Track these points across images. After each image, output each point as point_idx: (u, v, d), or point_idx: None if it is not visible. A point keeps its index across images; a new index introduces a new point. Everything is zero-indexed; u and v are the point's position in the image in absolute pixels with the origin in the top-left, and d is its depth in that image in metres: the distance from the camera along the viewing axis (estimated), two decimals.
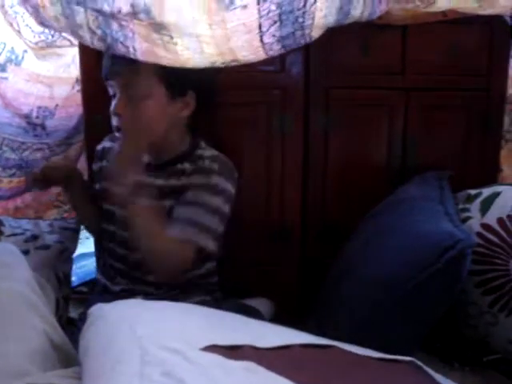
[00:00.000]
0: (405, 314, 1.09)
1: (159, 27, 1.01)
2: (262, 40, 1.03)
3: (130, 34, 1.00)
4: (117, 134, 1.21)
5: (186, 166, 1.22)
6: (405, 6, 1.25)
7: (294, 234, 1.54)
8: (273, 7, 0.93)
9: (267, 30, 0.99)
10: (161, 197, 1.21)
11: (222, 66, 1.11)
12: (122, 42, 1.01)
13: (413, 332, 1.12)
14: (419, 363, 0.82)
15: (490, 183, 1.44)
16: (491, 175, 1.55)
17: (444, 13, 1.37)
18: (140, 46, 1.02)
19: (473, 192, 1.36)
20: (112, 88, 1.19)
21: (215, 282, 1.35)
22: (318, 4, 0.97)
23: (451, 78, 1.49)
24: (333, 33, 1.19)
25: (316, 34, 1.16)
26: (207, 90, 1.27)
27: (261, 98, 1.48)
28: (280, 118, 1.46)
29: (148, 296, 1.23)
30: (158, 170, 1.24)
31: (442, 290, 1.08)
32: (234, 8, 0.91)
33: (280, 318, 1.50)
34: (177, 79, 1.17)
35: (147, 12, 0.96)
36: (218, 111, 1.46)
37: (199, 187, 1.17)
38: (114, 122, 1.19)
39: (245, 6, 0.91)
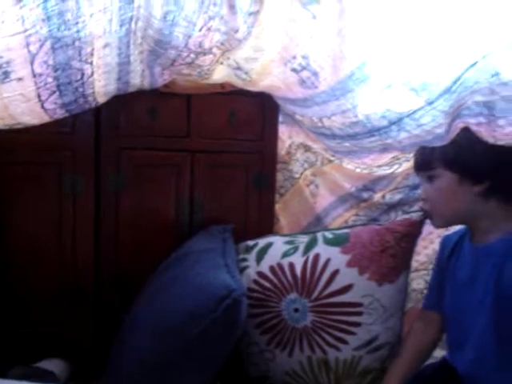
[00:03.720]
0: (190, 361, 1.14)
1: None
2: (43, 107, 1.06)
3: None
4: None
5: None
6: (186, 78, 1.39)
7: (88, 292, 1.54)
8: (49, 79, 0.97)
9: (47, 99, 1.02)
10: None
11: (6, 128, 1.12)
12: None
13: (200, 377, 1.17)
14: None
15: (267, 233, 1.63)
16: (268, 226, 1.75)
17: (222, 85, 1.54)
18: None
19: (251, 243, 1.52)
20: None
21: None
22: (96, 76, 1.04)
23: (231, 142, 1.67)
24: (123, 97, 1.27)
25: (101, 99, 1.23)
26: None
27: (51, 158, 1.48)
28: (70, 179, 1.48)
29: None
30: None
31: (223, 336, 1.16)
32: (9, 81, 0.92)
33: (78, 378, 1.49)
34: None
35: None
36: (4, 170, 1.44)
37: None
38: None
39: (20, 79, 0.93)
